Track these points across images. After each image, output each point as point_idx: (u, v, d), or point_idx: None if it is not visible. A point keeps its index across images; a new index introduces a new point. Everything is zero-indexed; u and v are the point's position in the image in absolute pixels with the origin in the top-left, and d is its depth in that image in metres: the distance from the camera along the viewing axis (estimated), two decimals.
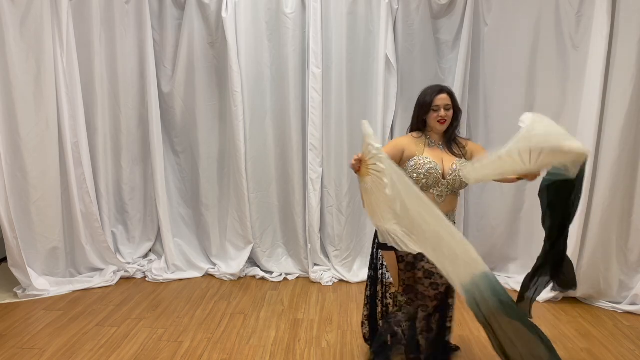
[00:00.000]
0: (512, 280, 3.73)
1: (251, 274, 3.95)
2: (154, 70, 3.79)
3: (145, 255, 4.10)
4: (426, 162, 2.30)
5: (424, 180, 2.29)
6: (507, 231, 3.80)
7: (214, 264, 3.99)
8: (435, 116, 2.32)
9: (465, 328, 3.05)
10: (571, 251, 3.26)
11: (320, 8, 3.62)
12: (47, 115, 3.45)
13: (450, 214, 2.39)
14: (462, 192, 3.80)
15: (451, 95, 2.36)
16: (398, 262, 2.40)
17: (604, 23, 3.08)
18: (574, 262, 3.29)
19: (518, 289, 3.56)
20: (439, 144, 2.38)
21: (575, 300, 3.48)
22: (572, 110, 3.35)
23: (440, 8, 3.67)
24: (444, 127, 2.35)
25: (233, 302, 3.42)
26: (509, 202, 3.74)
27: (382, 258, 2.54)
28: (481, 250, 3.99)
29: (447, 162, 2.32)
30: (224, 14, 3.61)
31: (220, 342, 2.86)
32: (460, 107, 2.41)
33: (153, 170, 3.89)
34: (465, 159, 2.36)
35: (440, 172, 2.29)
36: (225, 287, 3.70)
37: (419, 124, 2.41)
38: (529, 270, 3.65)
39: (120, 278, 3.80)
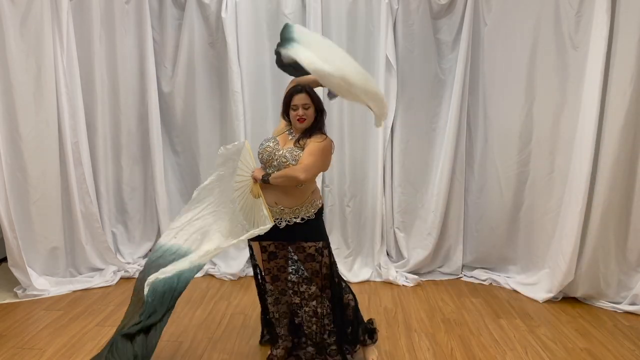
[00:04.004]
0: (512, 280, 3.74)
1: (251, 273, 3.93)
2: (154, 70, 3.79)
3: (145, 255, 4.10)
4: (268, 139, 2.45)
5: (260, 156, 2.43)
6: (506, 231, 3.80)
7: (214, 264, 3.99)
8: (294, 114, 2.43)
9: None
10: (571, 251, 3.27)
11: (320, 8, 3.62)
12: (47, 115, 3.45)
13: (298, 209, 2.41)
14: (461, 191, 3.84)
15: (310, 94, 2.43)
16: (261, 252, 2.50)
17: (604, 23, 3.08)
18: (574, 262, 3.30)
19: (518, 289, 3.65)
20: (293, 135, 2.48)
21: (575, 300, 3.48)
22: (572, 110, 3.35)
23: (440, 8, 3.67)
24: (303, 125, 2.43)
25: (233, 302, 3.42)
26: (508, 202, 3.74)
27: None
28: (480, 251, 4.06)
29: (285, 147, 2.41)
30: (223, 14, 3.61)
31: (220, 342, 2.86)
32: (322, 106, 2.47)
33: (153, 170, 3.89)
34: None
35: (272, 152, 2.39)
36: (226, 287, 3.70)
37: (286, 119, 2.52)
38: (529, 270, 3.70)
39: (121, 278, 3.80)
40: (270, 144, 2.42)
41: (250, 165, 2.47)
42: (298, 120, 2.42)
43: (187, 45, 3.79)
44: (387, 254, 3.98)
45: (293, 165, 2.33)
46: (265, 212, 2.33)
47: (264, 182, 2.36)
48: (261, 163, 2.45)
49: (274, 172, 2.37)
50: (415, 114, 3.83)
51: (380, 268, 3.85)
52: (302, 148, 2.40)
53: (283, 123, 2.54)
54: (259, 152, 2.45)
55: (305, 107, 2.41)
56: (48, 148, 3.48)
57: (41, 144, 3.46)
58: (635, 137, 3.18)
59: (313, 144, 2.39)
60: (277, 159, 2.37)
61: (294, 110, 2.42)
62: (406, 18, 3.69)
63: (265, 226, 2.28)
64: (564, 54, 3.38)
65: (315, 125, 2.46)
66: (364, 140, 3.83)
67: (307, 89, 2.45)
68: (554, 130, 3.49)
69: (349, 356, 2.56)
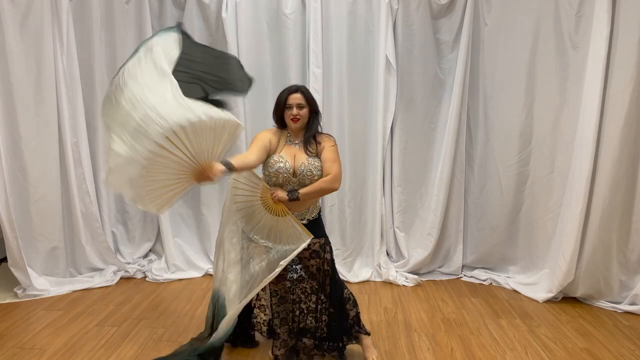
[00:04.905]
0: (512, 280, 3.74)
1: None
2: None
3: (145, 255, 4.11)
4: (277, 161, 2.41)
5: (274, 179, 2.42)
6: (506, 231, 3.80)
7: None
8: (288, 114, 2.45)
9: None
10: (571, 251, 3.27)
11: (320, 8, 3.62)
12: (47, 115, 3.45)
13: (306, 211, 2.49)
14: (461, 191, 3.84)
15: (305, 94, 2.46)
16: None
17: (604, 23, 3.08)
18: (574, 262, 3.30)
19: (518, 289, 3.65)
20: (296, 142, 2.49)
21: (575, 300, 3.48)
22: (572, 110, 3.35)
23: (440, 8, 3.67)
24: (297, 125, 2.45)
25: None
26: (508, 202, 3.74)
27: None
28: (480, 251, 4.05)
29: (298, 160, 2.42)
30: (224, 14, 3.61)
31: None
32: (317, 108, 2.51)
33: None
34: (318, 157, 2.46)
35: (290, 171, 2.40)
36: None
37: (279, 124, 2.53)
38: (529, 270, 3.70)
39: (120, 278, 3.80)
40: (281, 165, 2.40)
41: (256, 183, 2.43)
42: (292, 120, 2.44)
43: None
44: (387, 254, 3.98)
45: (316, 174, 2.40)
46: (300, 228, 2.36)
47: (292, 201, 2.37)
48: (274, 185, 2.44)
49: (293, 187, 2.40)
50: (415, 114, 3.83)
51: (380, 268, 3.85)
52: (315, 154, 2.44)
53: (269, 131, 2.52)
54: (269, 174, 2.43)
55: (299, 107, 2.43)
56: (48, 148, 3.48)
57: (41, 144, 3.46)
58: (636, 137, 3.18)
59: (329, 149, 2.44)
60: (298, 176, 2.39)
61: (288, 109, 2.44)
62: (406, 18, 3.69)
63: (305, 242, 2.32)
64: (564, 54, 3.38)
65: (312, 127, 2.48)
66: (363, 140, 3.82)
67: (302, 89, 2.47)
68: (554, 130, 3.49)
69: (345, 353, 2.57)
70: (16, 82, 3.31)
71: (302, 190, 2.38)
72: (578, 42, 3.30)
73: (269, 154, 2.47)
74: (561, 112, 3.44)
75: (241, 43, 3.69)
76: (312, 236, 2.36)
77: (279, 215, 2.40)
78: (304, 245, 2.33)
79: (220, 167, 2.13)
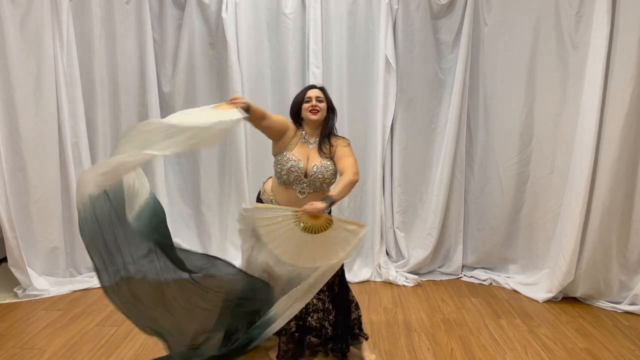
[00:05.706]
0: (512, 280, 3.74)
1: None
2: (154, 70, 3.79)
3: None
4: (290, 159, 2.40)
5: (285, 177, 2.40)
6: (506, 231, 3.80)
7: None
8: (307, 107, 2.45)
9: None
10: (571, 251, 3.27)
11: (320, 8, 3.62)
12: (47, 115, 3.45)
13: None
14: (461, 191, 3.85)
15: (324, 91, 2.52)
16: None
17: (604, 23, 3.08)
18: (574, 262, 3.30)
19: (518, 289, 3.65)
20: (310, 142, 2.48)
21: (575, 300, 3.48)
22: (572, 110, 3.35)
23: (440, 8, 3.67)
24: (316, 117, 2.44)
25: None
26: (509, 202, 3.74)
27: None
28: (481, 251, 4.04)
29: (312, 162, 2.42)
30: (224, 14, 3.61)
31: None
32: (333, 106, 2.54)
33: (153, 170, 3.88)
34: (332, 159, 2.46)
35: (302, 171, 2.39)
36: None
37: (295, 121, 2.53)
38: (529, 270, 3.69)
39: None
40: (294, 164, 2.38)
41: (283, 212, 2.23)
42: (310, 111, 2.44)
43: (187, 45, 3.79)
44: (387, 254, 3.98)
45: (327, 177, 2.40)
46: (350, 225, 2.24)
47: (330, 206, 2.25)
48: (285, 185, 2.41)
49: (304, 188, 2.39)
50: (415, 114, 3.83)
51: (380, 268, 3.85)
52: (328, 156, 2.44)
53: (290, 123, 2.49)
54: (281, 171, 2.39)
55: (318, 100, 2.45)
56: (48, 148, 3.48)
57: (41, 144, 3.46)
58: (636, 137, 3.18)
59: (342, 148, 2.44)
60: (309, 177, 2.38)
61: (307, 102, 2.45)
62: (406, 18, 3.69)
63: (361, 233, 2.22)
64: (564, 54, 3.38)
65: (328, 124, 2.49)
66: (363, 140, 3.82)
67: (321, 87, 2.52)
68: (555, 130, 3.49)
69: (348, 354, 2.58)
70: (16, 81, 3.32)
71: (333, 193, 2.23)
72: (578, 42, 3.30)
73: (281, 141, 2.43)
74: (561, 112, 3.44)
75: (241, 43, 3.69)
76: (366, 225, 2.34)
77: (325, 230, 2.19)
78: (364, 231, 2.22)
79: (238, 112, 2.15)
